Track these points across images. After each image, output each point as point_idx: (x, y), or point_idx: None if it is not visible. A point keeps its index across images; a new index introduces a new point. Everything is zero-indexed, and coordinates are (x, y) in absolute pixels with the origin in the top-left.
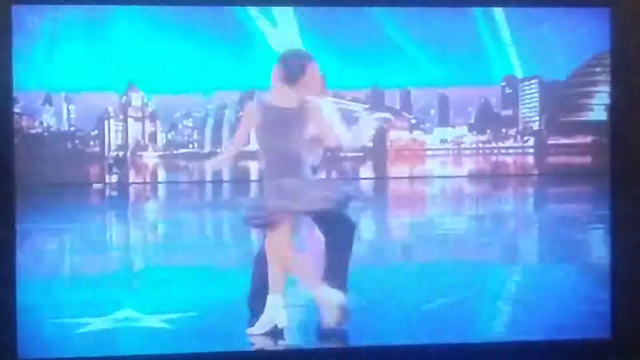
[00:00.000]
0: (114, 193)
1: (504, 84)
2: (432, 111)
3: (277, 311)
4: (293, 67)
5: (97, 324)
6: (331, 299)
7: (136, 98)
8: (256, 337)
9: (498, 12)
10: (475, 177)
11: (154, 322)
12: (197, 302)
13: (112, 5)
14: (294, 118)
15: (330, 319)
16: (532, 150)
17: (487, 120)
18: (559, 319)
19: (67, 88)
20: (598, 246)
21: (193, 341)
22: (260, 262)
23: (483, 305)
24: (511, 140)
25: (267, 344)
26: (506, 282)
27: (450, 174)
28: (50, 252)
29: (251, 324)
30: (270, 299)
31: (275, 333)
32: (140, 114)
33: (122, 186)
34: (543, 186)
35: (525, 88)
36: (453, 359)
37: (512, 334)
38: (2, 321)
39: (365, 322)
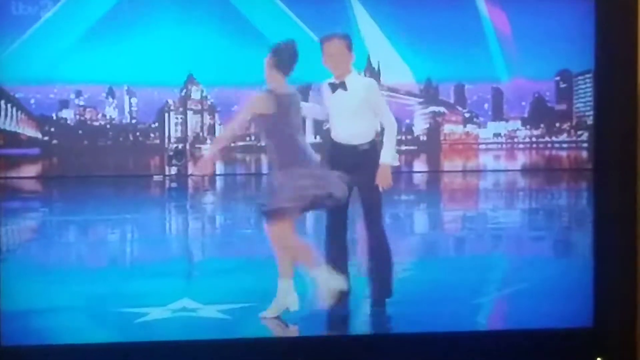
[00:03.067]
0: (173, 184)
1: (558, 78)
2: (485, 105)
3: (288, 295)
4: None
5: (156, 313)
6: (329, 282)
7: (195, 91)
8: (269, 320)
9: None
10: (528, 171)
11: (211, 312)
12: (254, 293)
13: None
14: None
15: (324, 300)
16: (585, 145)
17: (541, 115)
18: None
19: (129, 81)
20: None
21: (249, 331)
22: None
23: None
24: (565, 134)
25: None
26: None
27: (504, 168)
28: (112, 242)
29: None
30: (281, 283)
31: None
32: (199, 107)
33: (181, 178)
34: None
35: (579, 82)
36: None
37: (493, 323)
38: None
39: (415, 314)
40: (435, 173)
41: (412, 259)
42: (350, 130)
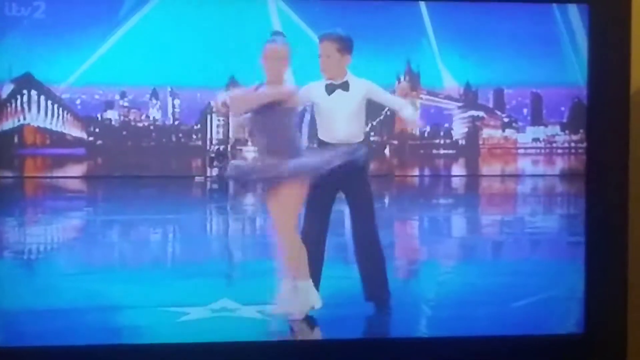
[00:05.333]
0: (215, 186)
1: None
2: (524, 110)
3: (310, 293)
4: None
5: (196, 313)
6: (308, 297)
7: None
8: (296, 322)
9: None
10: (567, 176)
11: (250, 312)
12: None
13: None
14: None
15: (300, 314)
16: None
17: (580, 120)
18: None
19: (173, 82)
20: None
21: (284, 331)
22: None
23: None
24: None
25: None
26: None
27: (542, 173)
28: (154, 242)
29: None
30: (301, 284)
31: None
32: None
33: (223, 179)
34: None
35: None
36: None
37: (484, 329)
38: None
39: (450, 317)
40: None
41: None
42: (345, 130)
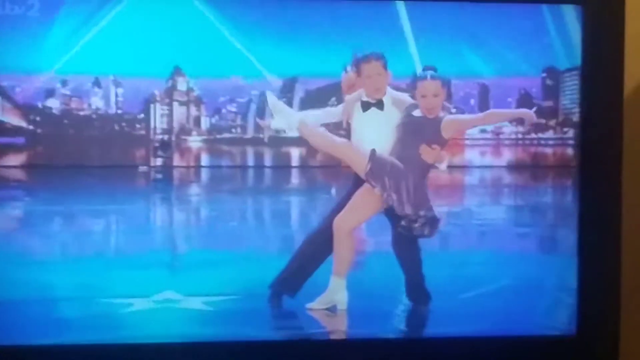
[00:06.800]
0: (159, 176)
1: (544, 75)
2: (472, 101)
3: (339, 292)
4: None
5: (139, 304)
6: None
7: (181, 82)
8: (315, 311)
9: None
10: (514, 167)
11: (195, 304)
12: (239, 285)
13: None
14: None
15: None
16: (571, 142)
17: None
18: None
19: (116, 71)
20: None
21: (233, 324)
22: (314, 242)
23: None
24: (551, 131)
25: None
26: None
27: (489, 164)
28: (96, 232)
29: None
30: (333, 280)
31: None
32: (185, 98)
33: (167, 169)
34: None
35: (566, 79)
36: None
37: (475, 330)
38: None
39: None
40: None
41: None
42: (378, 145)
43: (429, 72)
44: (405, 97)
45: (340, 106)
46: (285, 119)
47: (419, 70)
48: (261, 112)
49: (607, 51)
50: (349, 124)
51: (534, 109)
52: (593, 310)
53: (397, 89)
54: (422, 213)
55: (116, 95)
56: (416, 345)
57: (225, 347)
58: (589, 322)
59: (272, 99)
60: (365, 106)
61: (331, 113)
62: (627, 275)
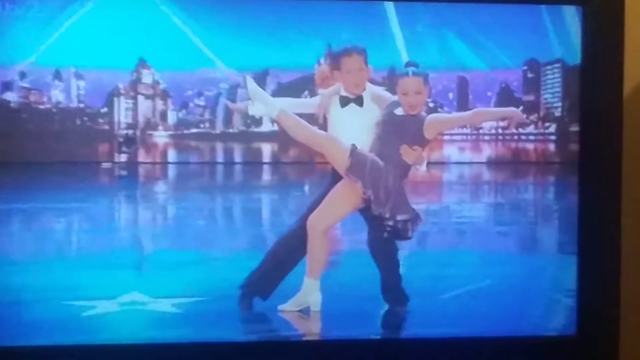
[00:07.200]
0: (123, 172)
1: (525, 67)
2: (450, 95)
3: (312, 294)
4: None
5: (104, 306)
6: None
7: (147, 75)
8: (288, 313)
9: None
10: (494, 164)
11: (163, 306)
12: (207, 287)
13: None
14: None
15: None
16: (553, 138)
17: (507, 105)
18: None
19: (77, 63)
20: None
21: (202, 326)
22: (288, 242)
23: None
24: (532, 126)
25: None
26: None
27: (469, 160)
28: (58, 231)
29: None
30: (307, 281)
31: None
32: (151, 92)
33: (132, 166)
34: (565, 175)
35: (547, 73)
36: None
37: (474, 330)
38: None
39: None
40: None
41: None
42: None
43: (411, 69)
44: (386, 94)
45: (317, 98)
46: (264, 105)
47: (400, 65)
48: (232, 98)
49: (607, 51)
50: (325, 119)
51: (521, 107)
52: (593, 310)
53: (377, 84)
54: (401, 215)
55: (78, 88)
56: (415, 346)
57: (194, 349)
58: (588, 322)
59: (251, 84)
60: (344, 102)
61: (306, 104)
62: (627, 274)
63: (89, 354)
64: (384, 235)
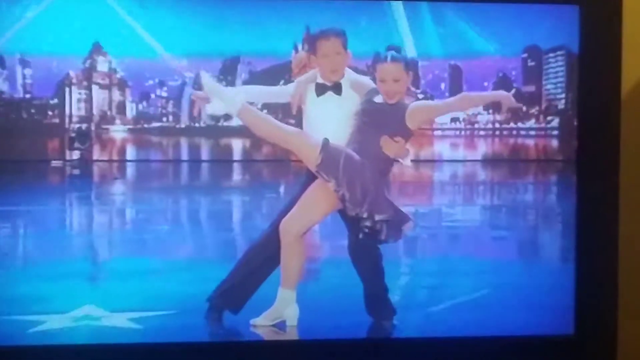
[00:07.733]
0: (76, 172)
1: (525, 55)
2: (442, 85)
3: (288, 306)
4: None
5: (53, 322)
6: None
7: (102, 62)
8: (261, 328)
9: None
10: (490, 161)
11: (120, 321)
12: (170, 299)
13: None
14: None
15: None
16: (555, 133)
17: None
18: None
19: (23, 49)
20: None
21: (164, 344)
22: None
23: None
24: (533, 120)
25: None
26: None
27: (462, 158)
28: (1, 237)
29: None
30: (282, 292)
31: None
32: (107, 81)
33: (85, 164)
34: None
35: (550, 61)
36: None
37: (472, 329)
38: None
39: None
40: None
41: None
42: (333, 136)
43: (390, 53)
44: (367, 80)
45: (291, 85)
46: (224, 102)
47: (380, 50)
48: (199, 88)
49: (604, 50)
50: (300, 110)
51: (512, 91)
52: (591, 311)
53: (357, 71)
54: (380, 214)
55: (23, 77)
56: (415, 345)
57: None
58: (586, 323)
59: (207, 79)
60: (321, 89)
61: (278, 93)
62: (625, 275)
63: None
64: (360, 236)
